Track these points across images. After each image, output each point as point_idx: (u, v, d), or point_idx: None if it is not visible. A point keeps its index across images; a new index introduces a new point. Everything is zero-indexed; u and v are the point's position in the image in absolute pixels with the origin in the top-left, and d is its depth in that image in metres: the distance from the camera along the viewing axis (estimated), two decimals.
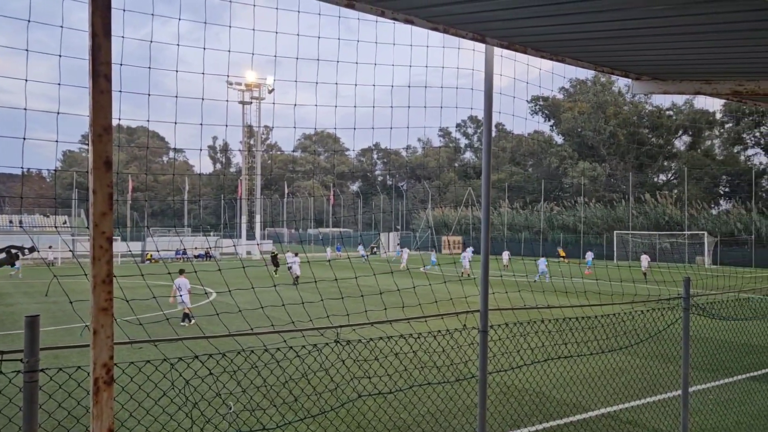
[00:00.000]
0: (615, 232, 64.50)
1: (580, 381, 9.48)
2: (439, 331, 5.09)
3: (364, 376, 5.42)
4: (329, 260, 42.04)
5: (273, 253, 35.80)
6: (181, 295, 17.91)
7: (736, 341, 9.49)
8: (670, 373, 11.48)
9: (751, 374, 12.67)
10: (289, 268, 31.79)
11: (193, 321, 17.97)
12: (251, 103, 65.90)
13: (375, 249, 68.06)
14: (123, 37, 3.75)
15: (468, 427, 8.40)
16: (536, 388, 7.38)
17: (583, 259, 47.94)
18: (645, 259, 38.16)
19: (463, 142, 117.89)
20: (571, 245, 67.41)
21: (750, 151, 79.88)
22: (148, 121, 4.09)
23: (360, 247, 64.17)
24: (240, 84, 64.09)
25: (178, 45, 4.18)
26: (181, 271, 19.53)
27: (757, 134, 77.47)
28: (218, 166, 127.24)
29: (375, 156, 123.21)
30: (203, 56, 4.25)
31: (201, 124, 4.57)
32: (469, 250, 49.45)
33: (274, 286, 6.44)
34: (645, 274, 36.52)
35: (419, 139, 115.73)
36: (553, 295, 7.10)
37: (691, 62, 5.68)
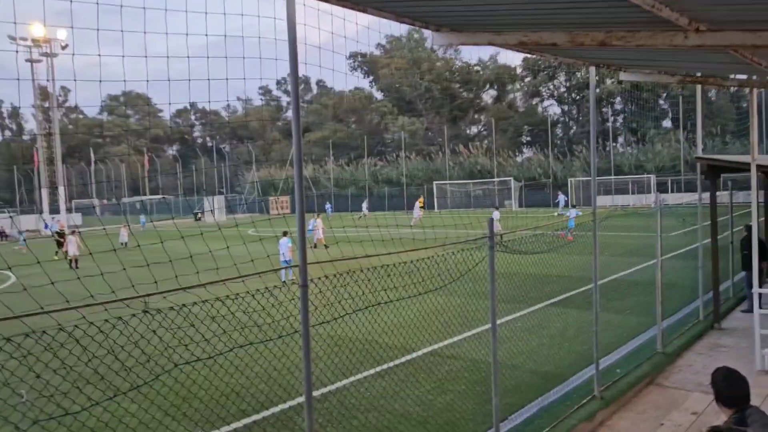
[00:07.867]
0: (434, 183, 68.41)
1: (404, 325, 9.95)
2: (258, 289, 4.97)
3: (179, 344, 5.16)
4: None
5: (60, 230, 31.85)
6: None
7: (537, 273, 10.58)
8: (483, 309, 12.48)
9: (550, 301, 14.29)
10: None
11: None
12: (41, 61, 58.66)
13: (200, 215, 65.01)
14: None
15: (303, 382, 8.46)
16: (364, 336, 7.63)
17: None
18: (417, 209, 42.38)
19: (285, 100, 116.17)
20: (396, 198, 70.35)
21: (546, 103, 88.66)
22: None
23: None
24: (26, 39, 56.61)
25: None
26: None
27: (551, 87, 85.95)
28: (8, 133, 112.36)
29: (193, 117, 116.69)
30: None
31: None
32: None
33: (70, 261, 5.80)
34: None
35: (239, 98, 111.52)
36: (371, 245, 7.32)
37: (484, 13, 5.97)
